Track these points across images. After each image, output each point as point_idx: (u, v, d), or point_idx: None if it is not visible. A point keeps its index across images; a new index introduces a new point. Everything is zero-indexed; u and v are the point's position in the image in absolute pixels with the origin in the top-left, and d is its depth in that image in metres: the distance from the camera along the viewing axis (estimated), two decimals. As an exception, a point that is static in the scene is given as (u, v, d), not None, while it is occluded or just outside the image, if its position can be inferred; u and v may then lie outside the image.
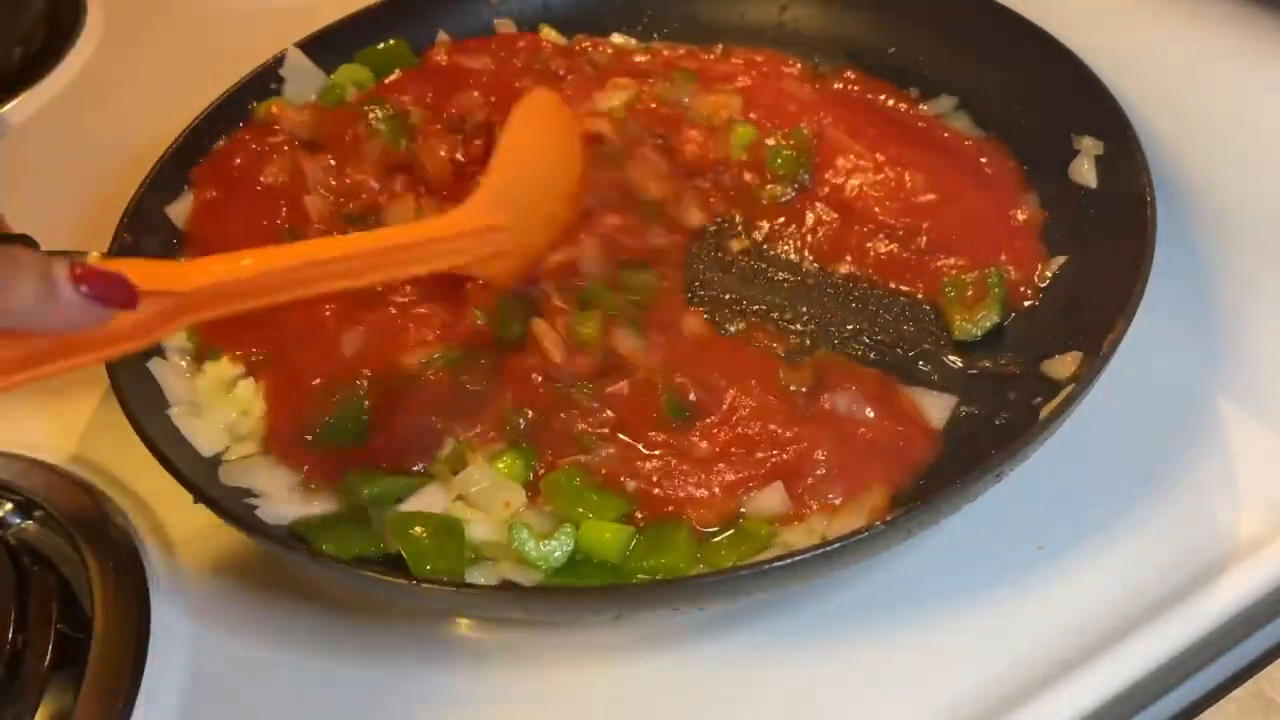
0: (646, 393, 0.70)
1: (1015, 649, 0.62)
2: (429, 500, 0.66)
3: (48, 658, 0.65)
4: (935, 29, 0.93)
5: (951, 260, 0.79)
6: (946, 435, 0.70)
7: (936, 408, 0.71)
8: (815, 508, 0.66)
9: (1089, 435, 0.67)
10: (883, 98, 0.93)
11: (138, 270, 0.52)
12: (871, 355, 0.75)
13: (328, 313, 0.76)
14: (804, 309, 0.79)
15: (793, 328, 0.77)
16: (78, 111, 1.14)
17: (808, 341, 0.76)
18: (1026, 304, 0.76)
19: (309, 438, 0.70)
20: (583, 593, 0.62)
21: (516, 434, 0.69)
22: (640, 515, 0.66)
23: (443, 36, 1.02)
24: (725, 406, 0.70)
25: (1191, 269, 0.78)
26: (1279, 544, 0.64)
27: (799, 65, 0.96)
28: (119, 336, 0.52)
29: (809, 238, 0.83)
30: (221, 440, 0.71)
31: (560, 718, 0.64)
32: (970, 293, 0.76)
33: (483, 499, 0.65)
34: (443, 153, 0.86)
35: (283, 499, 0.67)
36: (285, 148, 0.90)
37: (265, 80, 0.95)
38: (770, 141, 0.87)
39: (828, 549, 0.57)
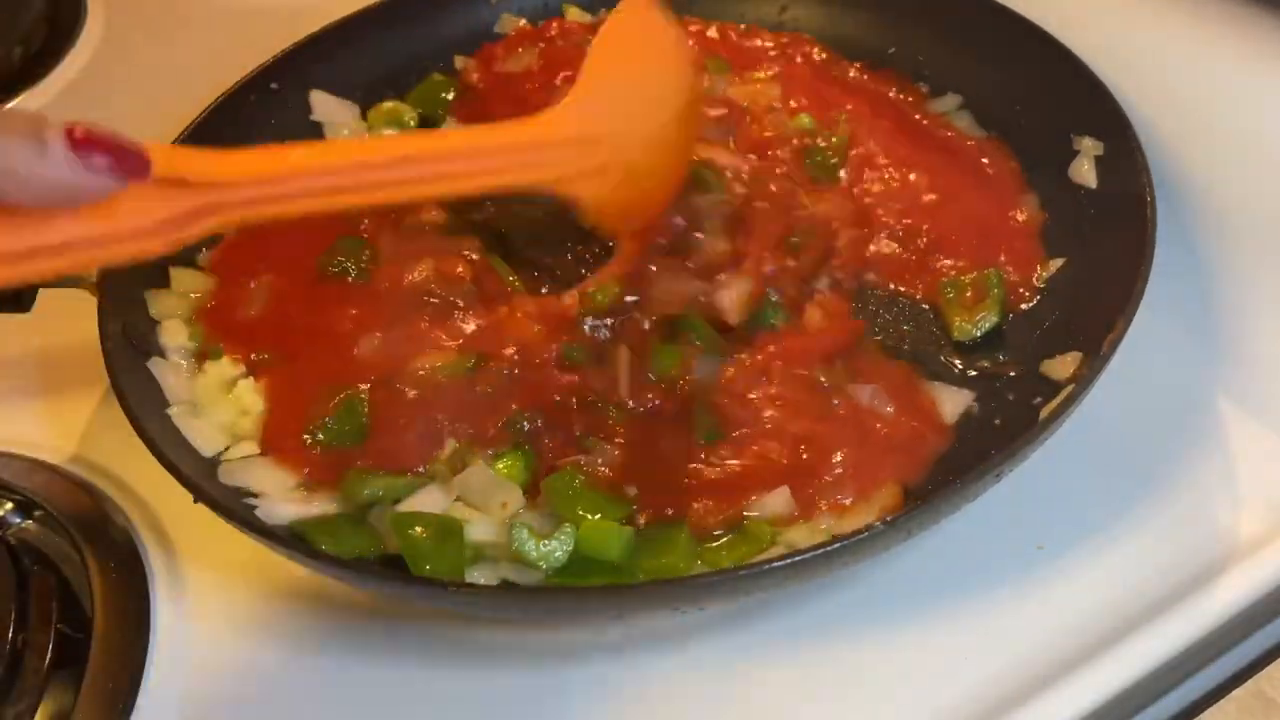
0: (683, 418, 0.69)
1: (1015, 649, 0.62)
2: (429, 500, 0.66)
3: (48, 658, 0.65)
4: (935, 29, 0.93)
5: (951, 261, 0.79)
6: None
7: (953, 403, 0.71)
8: (825, 507, 0.65)
9: (1089, 435, 0.67)
10: (893, 92, 0.93)
11: (161, 151, 0.46)
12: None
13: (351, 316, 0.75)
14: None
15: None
16: (78, 111, 1.11)
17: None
18: (1026, 305, 0.76)
19: (308, 438, 0.70)
20: (583, 593, 0.62)
21: (520, 436, 0.68)
22: (642, 517, 0.65)
23: (462, 59, 1.01)
24: (754, 416, 0.69)
25: (1191, 269, 0.78)
26: (1279, 544, 0.64)
27: (818, 50, 0.96)
28: (139, 233, 0.46)
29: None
30: (221, 440, 0.71)
31: (560, 718, 0.64)
32: (969, 294, 0.76)
33: (481, 499, 0.65)
34: None
35: (282, 499, 0.67)
36: None
37: (266, 80, 0.95)
38: (811, 141, 0.86)
39: (827, 549, 0.57)
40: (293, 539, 0.64)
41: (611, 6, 1.01)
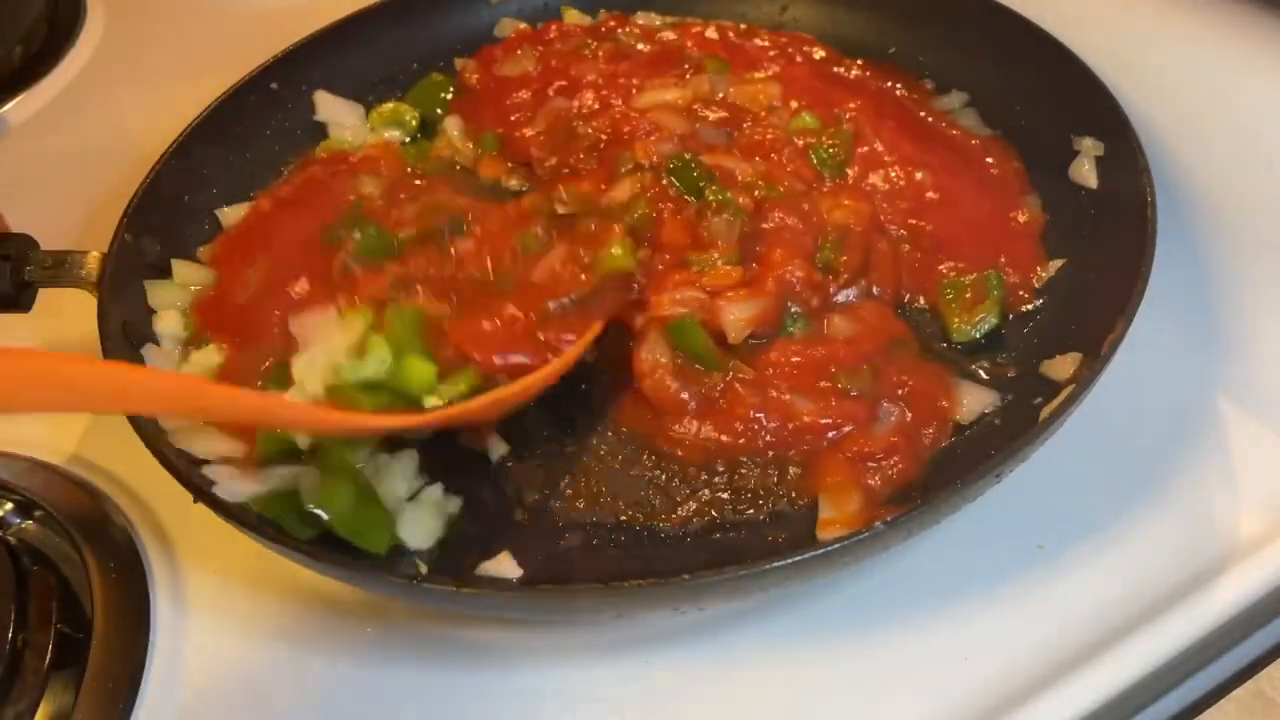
0: None
1: (1015, 649, 0.62)
2: (303, 366, 0.67)
3: (48, 658, 0.65)
4: (935, 29, 0.93)
5: (951, 262, 0.79)
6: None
7: (978, 404, 0.70)
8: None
9: (1089, 435, 0.67)
10: (898, 89, 0.92)
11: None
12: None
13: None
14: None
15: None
16: (78, 111, 1.14)
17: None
18: (1025, 306, 0.76)
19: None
20: (583, 593, 0.62)
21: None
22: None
23: (461, 60, 1.01)
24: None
25: (1192, 269, 0.78)
26: (1279, 544, 0.64)
27: (819, 49, 0.96)
28: None
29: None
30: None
31: (560, 717, 0.64)
32: (969, 295, 0.76)
33: (322, 337, 0.68)
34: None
35: (232, 475, 0.66)
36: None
37: (266, 80, 0.95)
38: (813, 139, 0.86)
39: (828, 549, 0.57)
40: (278, 533, 0.63)
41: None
